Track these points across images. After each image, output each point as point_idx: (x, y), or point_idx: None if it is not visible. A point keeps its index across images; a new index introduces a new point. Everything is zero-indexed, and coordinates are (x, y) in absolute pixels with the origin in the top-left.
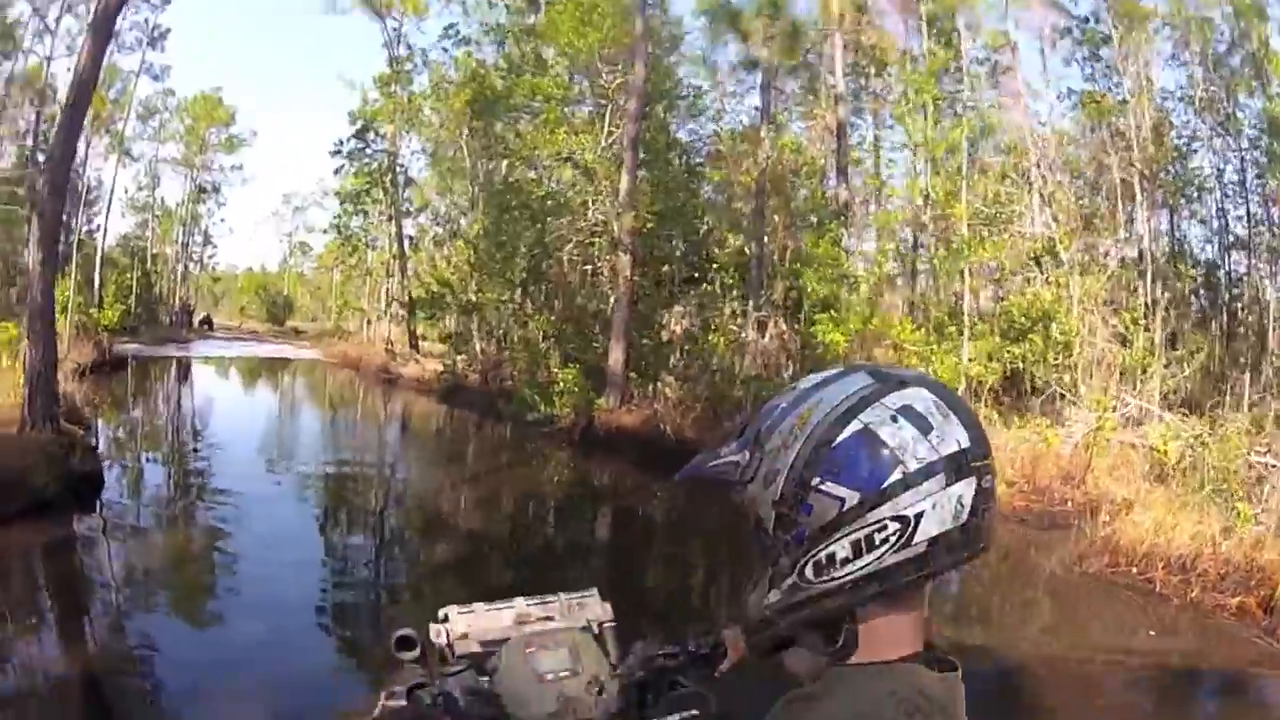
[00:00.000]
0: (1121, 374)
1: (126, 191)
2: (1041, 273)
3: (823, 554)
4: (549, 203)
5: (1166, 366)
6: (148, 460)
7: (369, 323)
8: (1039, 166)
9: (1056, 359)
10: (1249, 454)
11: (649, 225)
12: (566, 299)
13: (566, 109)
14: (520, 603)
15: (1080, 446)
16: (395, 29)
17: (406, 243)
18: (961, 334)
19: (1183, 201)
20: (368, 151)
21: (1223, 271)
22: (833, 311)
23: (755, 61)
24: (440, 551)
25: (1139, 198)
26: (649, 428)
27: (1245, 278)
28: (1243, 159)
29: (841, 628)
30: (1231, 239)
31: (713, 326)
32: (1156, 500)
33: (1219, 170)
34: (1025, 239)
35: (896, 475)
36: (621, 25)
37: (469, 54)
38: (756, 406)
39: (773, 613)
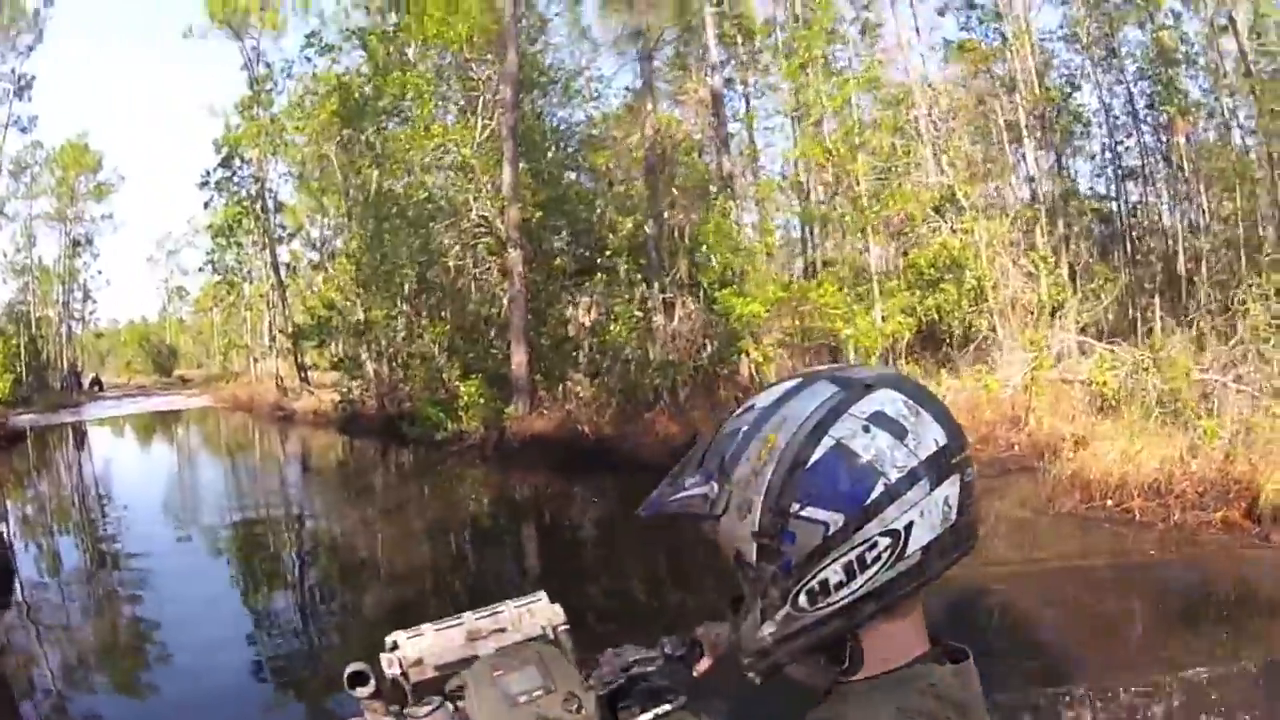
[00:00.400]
0: (1037, 314)
1: (5, 255)
2: (945, 222)
3: (814, 581)
4: (428, 206)
5: (1083, 301)
6: (58, 536)
7: (255, 360)
8: (929, 116)
9: (972, 306)
10: (1193, 374)
11: (537, 216)
12: (457, 307)
13: (437, 105)
14: (469, 617)
15: (1020, 388)
16: (254, 48)
17: (284, 271)
18: (870, 292)
19: (1071, 138)
20: (235, 180)
21: (1119, 203)
22: (735, 285)
23: (639, 31)
24: (367, 594)
25: (1026, 140)
26: (564, 430)
27: (1140, 206)
28: (1130, 91)
29: (845, 647)
30: (1124, 170)
31: (613, 316)
32: (1106, 432)
33: (1106, 105)
34: (926, 189)
35: (879, 489)
36: (489, 13)
37: (333, 60)
38: (714, 430)
39: (770, 645)
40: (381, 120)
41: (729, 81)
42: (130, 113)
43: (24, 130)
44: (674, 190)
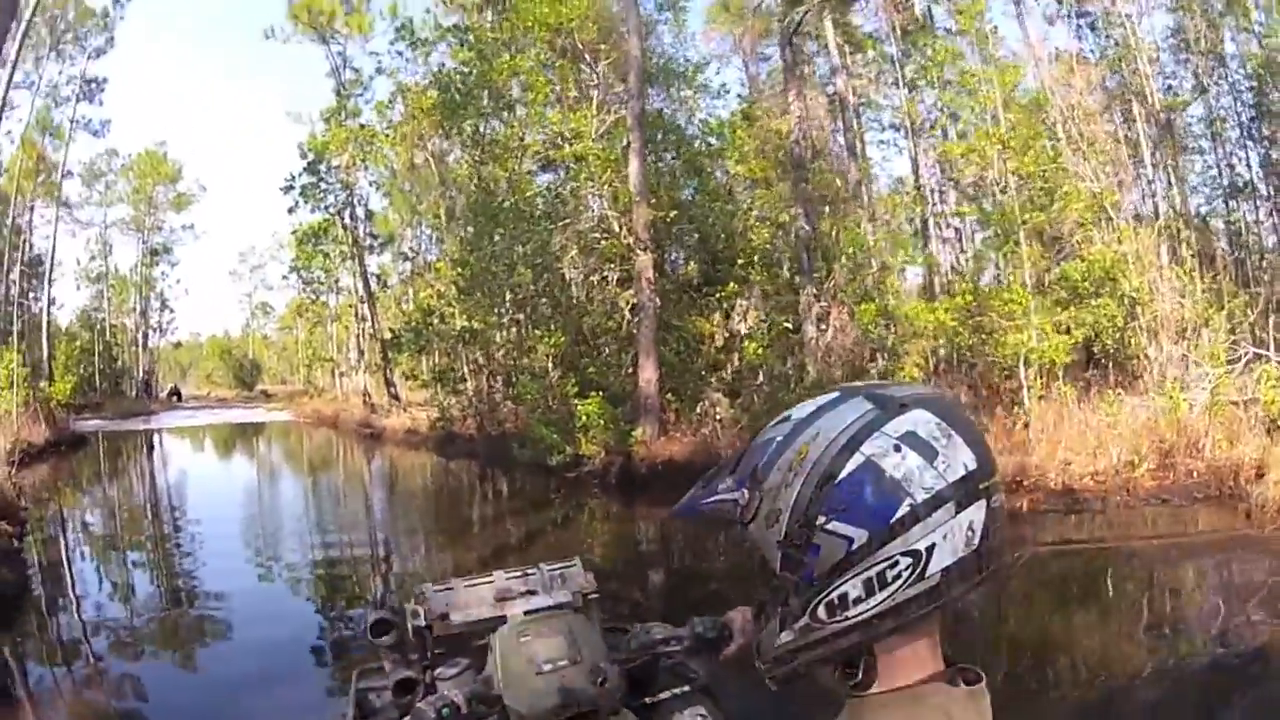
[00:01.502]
0: (1188, 331)
1: (79, 263)
2: (1096, 231)
3: (834, 595)
4: (540, 204)
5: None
6: (93, 562)
7: (341, 375)
8: (1072, 120)
9: (1128, 322)
10: None
11: (671, 215)
12: (573, 317)
13: (551, 91)
14: (500, 576)
15: (1204, 409)
16: (340, 53)
17: (373, 283)
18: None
19: (1184, 152)
20: (322, 186)
21: (1231, 219)
22: (876, 299)
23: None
24: None
25: (1145, 151)
26: (701, 456)
27: (1249, 223)
28: (1239, 103)
29: (859, 661)
30: (1233, 186)
31: (750, 329)
32: None
33: (1218, 117)
34: (1080, 196)
35: (905, 509)
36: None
37: (426, 55)
38: (751, 439)
39: (787, 652)
40: (486, 111)
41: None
42: (210, 120)
43: (95, 134)
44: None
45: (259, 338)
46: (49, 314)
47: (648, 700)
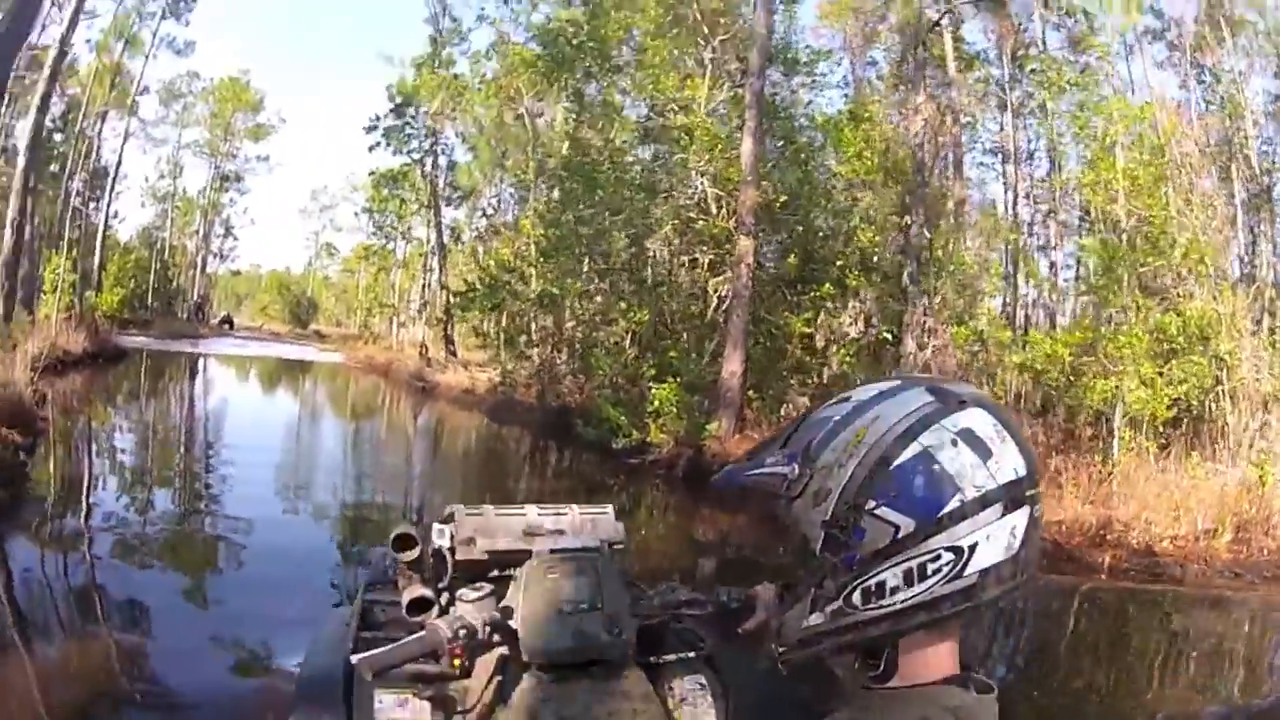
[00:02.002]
0: (1265, 402)
1: (147, 179)
2: (1196, 287)
3: (872, 581)
4: (638, 170)
5: None
6: (100, 485)
7: (400, 325)
8: (1185, 170)
9: (1215, 384)
10: None
11: (781, 200)
12: (660, 295)
13: (668, 53)
14: (532, 511)
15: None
16: None
17: (447, 234)
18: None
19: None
20: (407, 130)
21: None
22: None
23: None
24: None
25: (1240, 213)
26: None
27: None
28: None
29: (883, 652)
30: None
31: (854, 334)
32: None
33: None
34: (1197, 248)
35: (954, 504)
36: None
37: (534, 5)
38: (804, 414)
39: (813, 635)
40: (592, 70)
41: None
42: (299, 54)
43: (179, 53)
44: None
45: (320, 277)
46: (107, 225)
47: (652, 660)
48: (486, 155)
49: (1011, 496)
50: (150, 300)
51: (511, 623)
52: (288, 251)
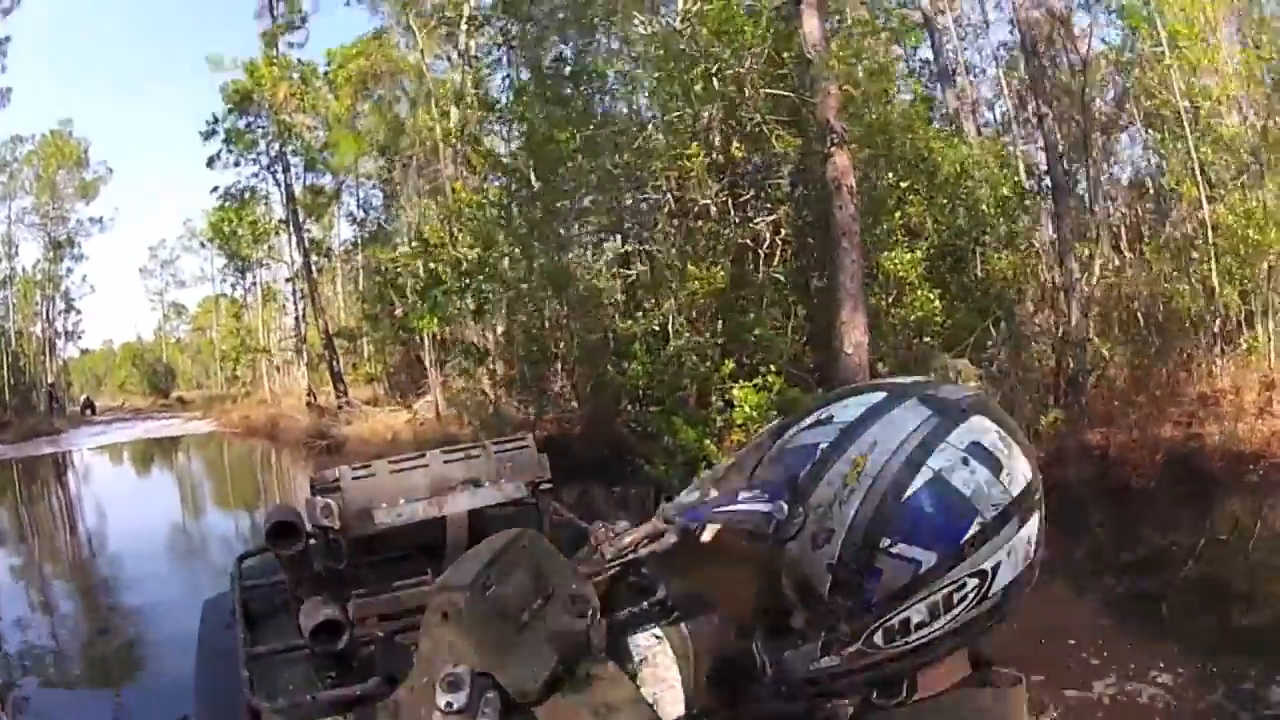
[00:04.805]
0: None
1: None
2: None
3: (895, 620)
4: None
5: None
6: None
7: (277, 370)
8: None
9: None
10: None
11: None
12: (719, 253)
13: None
14: (435, 458)
15: None
16: None
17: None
18: None
19: None
20: (251, 130)
21: None
22: None
23: None
24: None
25: None
26: None
27: None
28: None
29: (902, 680)
30: None
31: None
32: None
33: None
34: None
35: (976, 528)
36: None
37: None
38: (770, 438)
39: (826, 675)
40: None
41: None
42: (115, 88)
43: None
44: None
45: (172, 341)
46: None
47: (602, 619)
48: (349, 146)
49: (1026, 505)
50: (6, 398)
51: (481, 669)
52: (135, 317)
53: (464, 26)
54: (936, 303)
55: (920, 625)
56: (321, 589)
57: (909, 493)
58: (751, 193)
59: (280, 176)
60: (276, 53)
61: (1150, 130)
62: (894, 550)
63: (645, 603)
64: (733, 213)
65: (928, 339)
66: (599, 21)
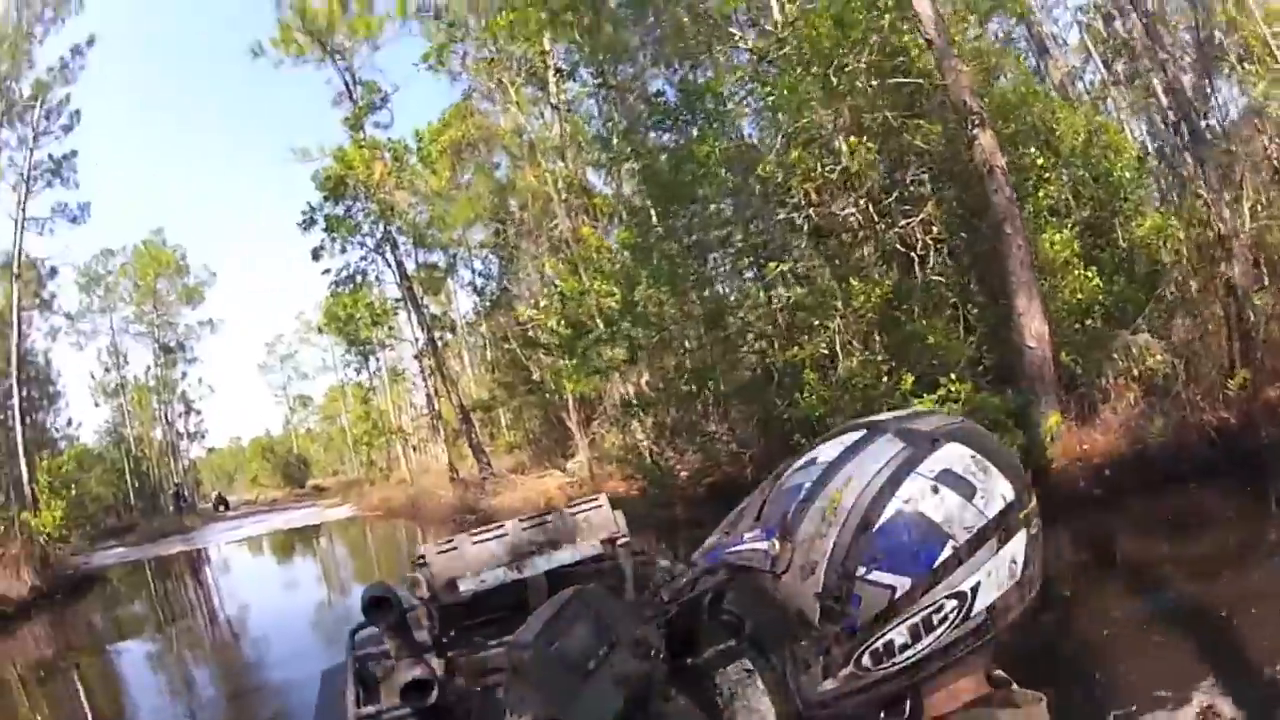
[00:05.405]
0: None
1: (94, 377)
2: None
3: (879, 643)
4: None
5: None
6: None
7: (413, 450)
8: None
9: None
10: None
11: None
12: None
13: None
14: (514, 527)
15: None
16: (346, 67)
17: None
18: None
19: None
20: (352, 212)
21: None
22: None
23: None
24: None
25: None
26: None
27: None
28: None
29: (906, 699)
30: None
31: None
32: None
33: None
34: None
35: (948, 552)
36: None
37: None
38: (771, 482)
39: (831, 698)
40: None
41: None
42: (195, 187)
43: (74, 220)
44: None
45: (301, 432)
46: (21, 431)
47: (689, 660)
48: (460, 213)
49: (1005, 526)
50: (133, 501)
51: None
52: (261, 413)
53: (553, 77)
54: (1096, 280)
55: (904, 647)
56: (419, 653)
57: (879, 522)
58: (894, 195)
59: (390, 256)
60: (364, 135)
61: (1243, 65)
62: (870, 577)
63: (733, 640)
64: (876, 219)
65: (1090, 320)
66: (700, 42)
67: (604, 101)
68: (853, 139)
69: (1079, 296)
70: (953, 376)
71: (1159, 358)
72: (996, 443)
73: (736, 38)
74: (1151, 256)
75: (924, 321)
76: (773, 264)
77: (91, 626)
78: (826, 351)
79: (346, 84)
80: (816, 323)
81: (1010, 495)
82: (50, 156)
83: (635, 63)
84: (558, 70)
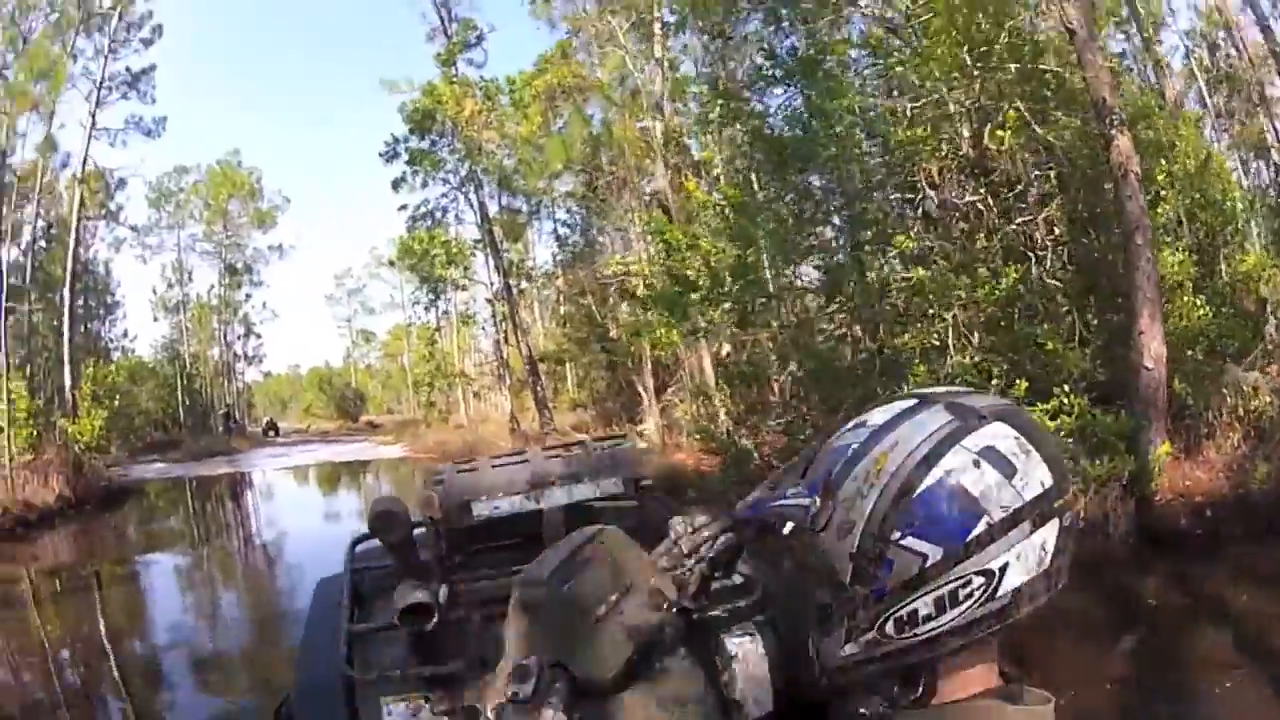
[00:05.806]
0: None
1: (155, 292)
2: None
3: (904, 611)
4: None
5: None
6: None
7: (475, 396)
8: None
9: None
10: None
11: None
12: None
13: None
14: (537, 455)
15: None
16: (441, 2)
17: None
18: None
19: None
20: (436, 149)
21: None
22: None
23: None
24: None
25: None
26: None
27: None
28: None
29: (920, 676)
30: None
31: None
32: None
33: None
34: None
35: (981, 527)
36: None
37: None
38: (820, 442)
39: (850, 664)
40: None
41: None
42: (282, 113)
43: (149, 134)
44: None
45: (361, 367)
46: (69, 336)
47: (694, 616)
48: (555, 155)
49: (1040, 511)
50: (182, 418)
51: (555, 660)
52: (322, 343)
53: (658, 30)
54: (1205, 309)
55: (928, 618)
56: (423, 575)
57: (919, 490)
58: (1020, 188)
59: (473, 196)
60: (455, 71)
61: None
62: (903, 543)
63: (742, 600)
64: (995, 211)
65: (1192, 351)
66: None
67: (715, 56)
68: (990, 124)
69: (1186, 323)
70: (1066, 389)
71: (1267, 399)
72: (1042, 430)
73: (863, 4)
74: (1255, 293)
75: (1043, 325)
76: (900, 237)
77: (115, 539)
78: (938, 343)
79: (442, 19)
80: (932, 311)
81: (1049, 482)
82: (128, 69)
83: (747, 21)
84: (664, 24)
